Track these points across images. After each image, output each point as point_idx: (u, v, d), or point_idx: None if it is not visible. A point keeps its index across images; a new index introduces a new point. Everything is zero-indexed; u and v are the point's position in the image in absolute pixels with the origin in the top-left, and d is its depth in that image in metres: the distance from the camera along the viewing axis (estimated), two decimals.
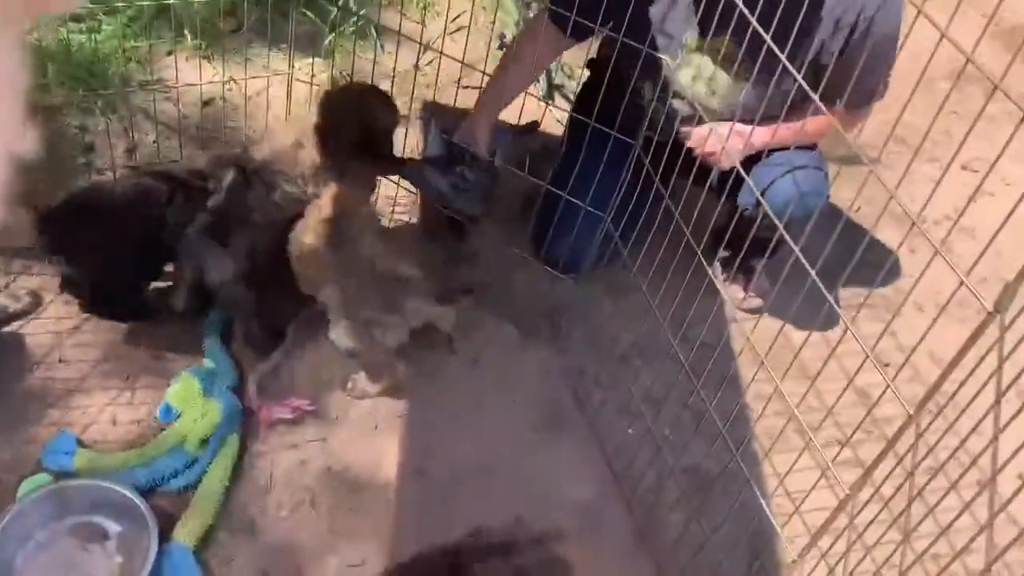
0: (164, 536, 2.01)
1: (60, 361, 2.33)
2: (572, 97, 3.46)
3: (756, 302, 2.88)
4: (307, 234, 2.23)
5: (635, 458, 2.34)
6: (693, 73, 2.40)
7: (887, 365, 2.73)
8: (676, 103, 2.43)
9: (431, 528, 2.18)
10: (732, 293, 2.82)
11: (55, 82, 2.76)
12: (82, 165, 2.70)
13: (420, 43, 2.82)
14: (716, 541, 2.07)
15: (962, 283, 1.32)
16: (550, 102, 3.36)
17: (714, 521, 2.17)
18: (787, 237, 1.77)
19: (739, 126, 2.20)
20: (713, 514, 2.24)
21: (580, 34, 2.45)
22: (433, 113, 2.87)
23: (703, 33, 2.32)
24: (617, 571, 2.20)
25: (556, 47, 2.59)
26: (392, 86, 3.08)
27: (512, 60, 2.62)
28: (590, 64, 2.78)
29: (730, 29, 2.08)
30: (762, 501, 1.87)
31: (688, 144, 2.40)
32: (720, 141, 2.25)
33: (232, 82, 2.94)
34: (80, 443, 2.17)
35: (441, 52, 2.65)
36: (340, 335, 2.29)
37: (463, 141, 2.53)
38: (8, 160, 0.70)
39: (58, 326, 2.40)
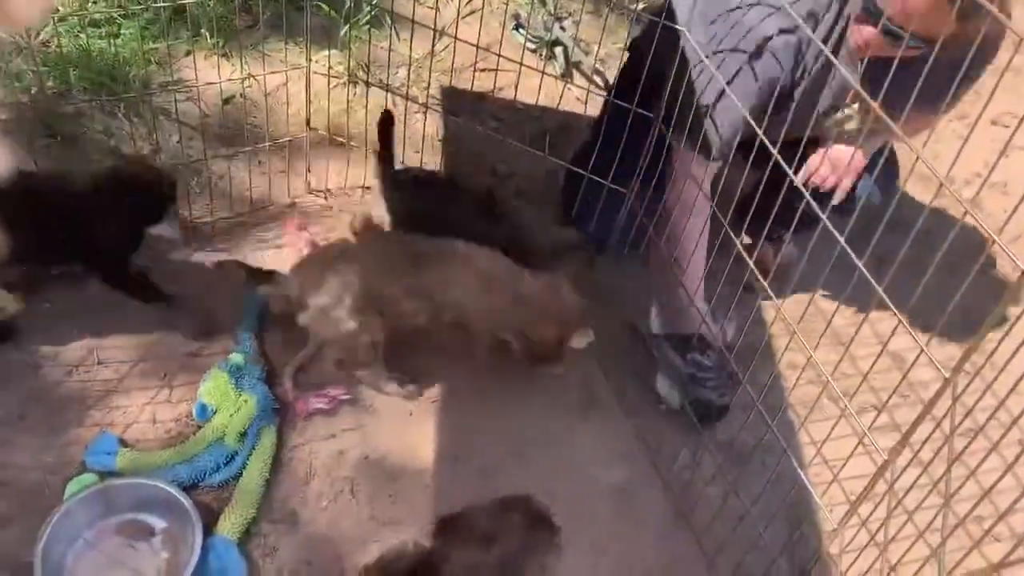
0: (208, 530, 2.04)
1: (98, 363, 2.37)
2: (590, 73, 3.44)
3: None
4: None
5: (668, 436, 2.34)
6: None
7: (921, 329, 2.71)
8: None
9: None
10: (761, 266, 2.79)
11: (77, 87, 2.79)
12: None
13: (435, 29, 2.82)
14: (755, 513, 2.07)
15: (994, 241, 1.30)
16: (568, 80, 3.35)
17: (752, 494, 2.16)
18: (815, 207, 1.74)
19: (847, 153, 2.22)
20: (751, 487, 2.23)
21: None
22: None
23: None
24: (656, 550, 2.20)
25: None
26: (409, 73, 3.09)
27: (681, 214, 2.37)
28: (630, 47, 2.73)
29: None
30: (799, 471, 1.86)
31: (807, 178, 2.36)
32: (835, 170, 2.29)
33: (251, 79, 2.96)
34: (122, 443, 2.20)
35: (456, 37, 2.64)
36: None
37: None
38: None
39: (95, 329, 2.43)
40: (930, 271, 1.52)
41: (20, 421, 2.23)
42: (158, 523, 2.11)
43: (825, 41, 2.18)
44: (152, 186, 2.38)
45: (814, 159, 2.36)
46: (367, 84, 3.03)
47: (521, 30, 3.46)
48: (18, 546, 1.99)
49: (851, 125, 2.34)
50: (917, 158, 1.47)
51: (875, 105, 1.51)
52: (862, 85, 2.05)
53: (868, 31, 2.08)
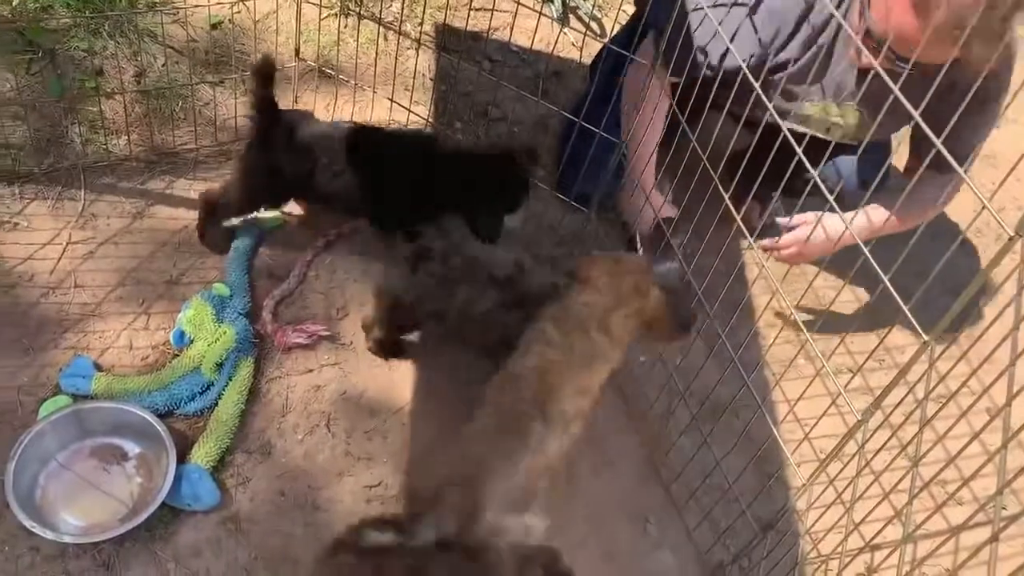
0: (182, 458, 2.05)
1: (76, 286, 2.34)
2: (587, 19, 3.39)
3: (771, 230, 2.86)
4: None
5: (646, 385, 2.36)
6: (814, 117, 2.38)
7: (902, 295, 2.73)
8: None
9: (445, 451, 2.22)
10: (749, 221, 2.80)
11: (60, 3, 2.71)
12: (91, 89, 2.66)
13: None
14: (726, 466, 2.10)
15: (984, 207, 1.30)
16: (565, 24, 3.30)
17: (725, 447, 2.19)
18: (806, 162, 1.73)
19: (832, 226, 2.22)
20: (724, 440, 2.26)
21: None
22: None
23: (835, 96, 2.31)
24: (626, 496, 2.23)
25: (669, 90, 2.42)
26: (403, 7, 3.03)
27: (639, 126, 2.44)
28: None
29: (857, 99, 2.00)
30: (772, 427, 1.89)
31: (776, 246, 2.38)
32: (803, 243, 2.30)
33: (241, 4, 2.89)
34: (97, 367, 2.19)
35: None
36: None
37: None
38: None
39: (73, 252, 2.40)
40: (914, 238, 1.52)
41: None
42: (132, 448, 2.11)
43: (821, 30, 2.17)
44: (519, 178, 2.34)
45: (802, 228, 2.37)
46: (359, 16, 2.97)
47: (550, 2, 3.39)
48: None
49: (839, 120, 2.33)
50: (912, 121, 1.46)
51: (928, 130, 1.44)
52: (864, 98, 2.05)
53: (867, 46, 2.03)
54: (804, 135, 1.83)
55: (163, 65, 2.79)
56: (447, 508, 1.62)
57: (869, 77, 2.12)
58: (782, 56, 2.21)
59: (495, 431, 1.76)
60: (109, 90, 2.69)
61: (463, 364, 2.38)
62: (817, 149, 2.06)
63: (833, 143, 2.27)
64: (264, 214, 2.52)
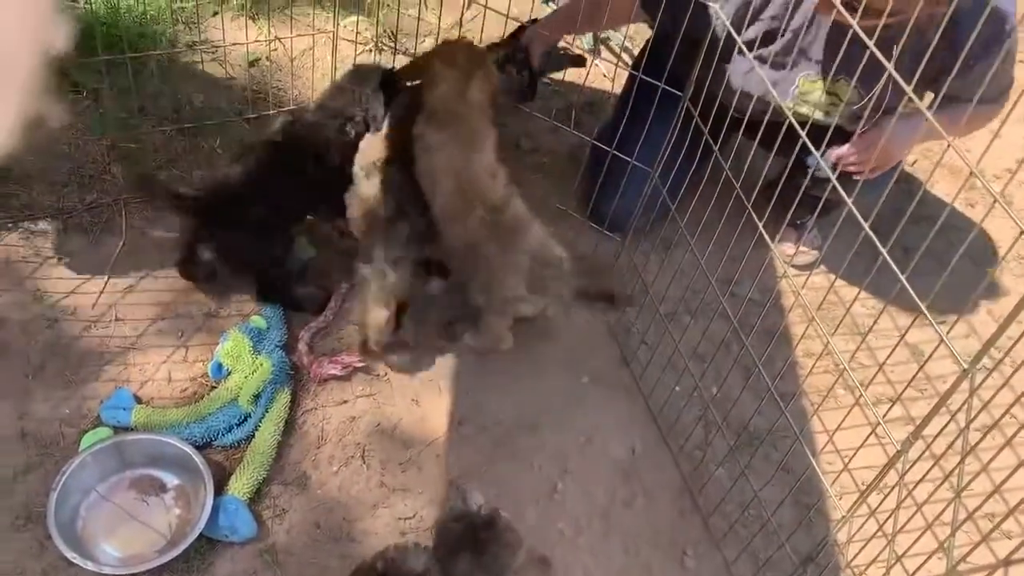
0: (219, 489, 2.07)
1: (117, 320, 2.39)
2: (618, 50, 3.41)
3: (807, 258, 2.84)
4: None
5: (681, 415, 2.34)
6: (804, 96, 2.39)
7: (942, 323, 2.69)
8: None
9: (481, 482, 2.21)
10: (783, 249, 2.78)
11: (103, 45, 2.79)
12: (132, 127, 2.73)
13: None
14: (764, 498, 2.07)
15: (1021, 233, 1.28)
16: (596, 55, 3.32)
17: (763, 478, 2.16)
18: (841, 191, 1.73)
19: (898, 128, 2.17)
20: (762, 471, 2.23)
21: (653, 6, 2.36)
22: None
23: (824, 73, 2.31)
24: (664, 527, 2.21)
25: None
26: (437, 41, 3.07)
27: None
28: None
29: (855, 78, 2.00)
30: (811, 458, 1.86)
31: (834, 161, 2.37)
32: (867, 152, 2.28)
33: (277, 41, 2.95)
34: (137, 399, 2.23)
35: (486, 6, 2.62)
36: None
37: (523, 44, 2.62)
38: (36, 48, 0.67)
39: (114, 286, 2.45)
40: (953, 262, 1.50)
41: (39, 373, 2.26)
42: (171, 479, 2.13)
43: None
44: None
45: (846, 147, 2.34)
46: (393, 52, 3.02)
47: (552, 3, 3.43)
48: (37, 493, 2.02)
49: (835, 98, 2.32)
50: (948, 147, 1.45)
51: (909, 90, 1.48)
52: (841, 63, 2.05)
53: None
54: (806, 122, 1.85)
55: (202, 102, 2.86)
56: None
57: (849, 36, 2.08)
58: (767, 12, 2.23)
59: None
60: (149, 127, 2.75)
61: (494, 396, 2.39)
62: (822, 138, 2.06)
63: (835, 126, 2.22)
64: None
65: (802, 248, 2.81)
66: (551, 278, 2.24)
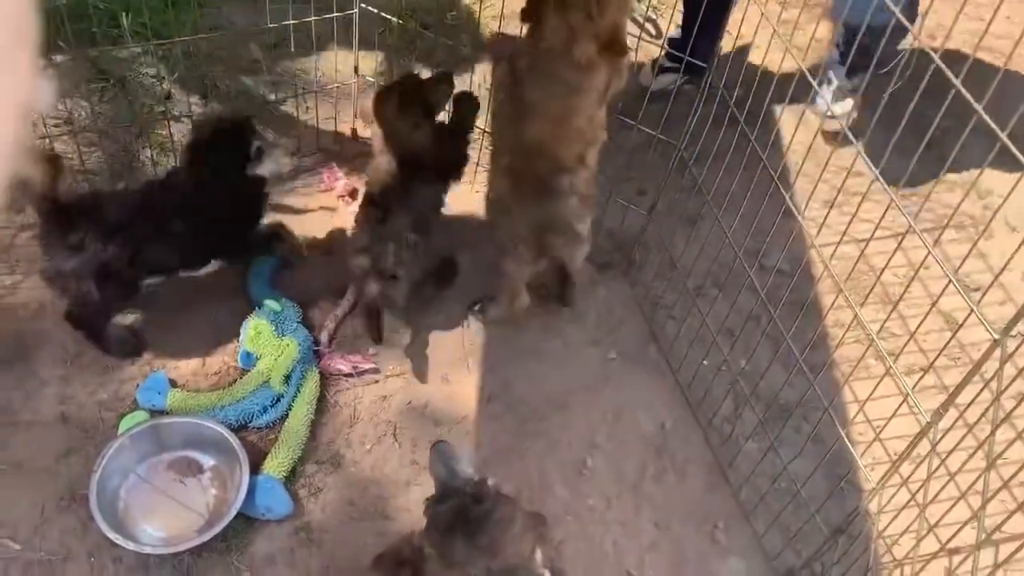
0: (255, 469, 2.11)
1: (151, 305, 2.42)
2: (642, 20, 3.37)
3: (843, 107, 2.90)
4: None
5: (711, 389, 2.33)
6: None
7: (976, 290, 2.65)
8: None
9: (510, 459, 2.23)
10: (816, 109, 2.83)
11: (131, 32, 2.82)
12: (160, 113, 2.76)
13: None
14: (795, 469, 2.06)
15: None
16: None
17: (793, 450, 2.16)
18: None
19: None
20: (792, 443, 2.23)
21: None
22: None
23: None
24: (694, 500, 2.21)
25: None
26: (459, 15, 3.06)
27: None
28: None
29: None
30: (840, 429, 1.85)
31: None
32: None
33: (299, 22, 2.94)
34: (172, 383, 2.27)
35: None
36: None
37: None
38: (18, 113, 0.65)
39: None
40: (985, 227, 1.48)
41: (77, 359, 2.31)
42: (207, 461, 2.18)
43: None
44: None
45: None
46: (418, 29, 3.01)
47: None
48: (79, 476, 2.08)
49: None
50: (977, 113, 1.42)
51: None
52: None
53: None
54: None
55: (228, 83, 2.87)
56: None
57: None
58: None
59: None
60: (177, 113, 2.78)
61: (522, 374, 2.40)
62: None
63: None
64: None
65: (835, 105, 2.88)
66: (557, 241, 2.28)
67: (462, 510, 1.54)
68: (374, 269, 2.30)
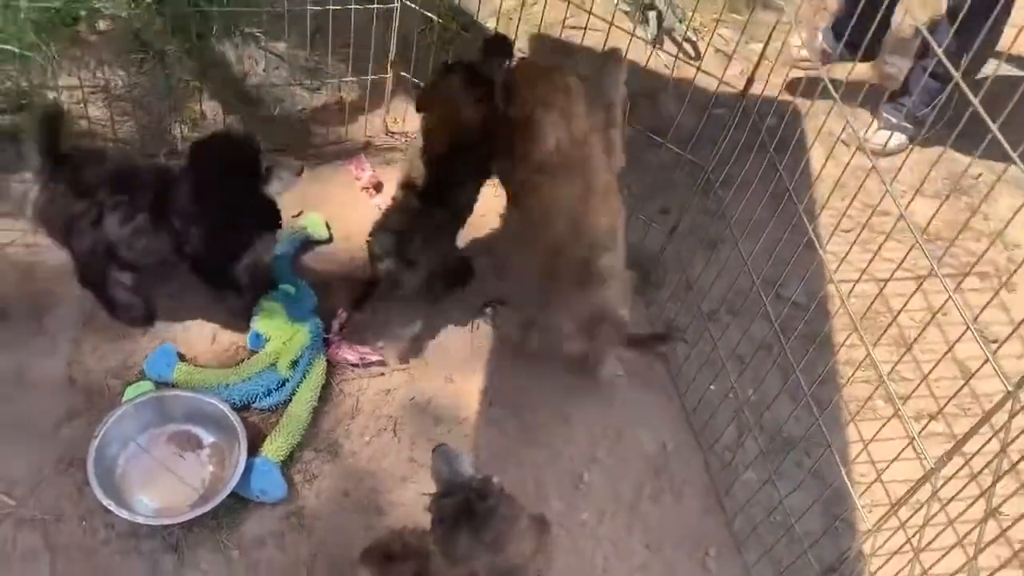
0: (253, 450, 2.11)
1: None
2: (681, 41, 3.36)
3: (894, 139, 3.00)
4: None
5: (716, 414, 2.32)
6: None
7: (994, 341, 2.62)
8: None
9: (507, 465, 2.23)
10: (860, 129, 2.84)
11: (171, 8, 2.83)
12: (195, 89, 2.77)
13: None
14: (791, 503, 2.05)
15: None
16: (659, 45, 3.29)
17: (793, 483, 2.14)
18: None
19: None
20: (792, 476, 2.21)
21: None
22: None
23: None
24: (688, 524, 2.20)
25: None
26: (497, 24, 3.07)
27: None
28: None
29: None
30: (840, 468, 1.83)
31: None
32: None
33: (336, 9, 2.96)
34: (180, 356, 2.28)
35: None
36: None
37: None
38: None
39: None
40: (1008, 278, 1.46)
41: (89, 323, 2.32)
42: (207, 437, 2.19)
43: None
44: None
45: None
46: (457, 30, 3.02)
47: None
48: (80, 440, 2.09)
49: None
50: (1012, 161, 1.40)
51: None
52: None
53: None
54: None
55: (263, 69, 2.89)
56: None
57: None
58: None
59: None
60: (212, 90, 2.80)
61: (528, 381, 2.39)
62: None
63: None
64: (314, 224, 2.59)
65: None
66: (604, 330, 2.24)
67: (467, 505, 1.55)
68: (398, 252, 2.29)
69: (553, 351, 2.29)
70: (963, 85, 1.49)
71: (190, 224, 2.16)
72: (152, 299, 2.36)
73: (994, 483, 1.41)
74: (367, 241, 2.37)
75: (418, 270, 2.32)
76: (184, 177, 2.16)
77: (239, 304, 2.36)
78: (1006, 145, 1.42)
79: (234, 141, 2.23)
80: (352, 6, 2.68)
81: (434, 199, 2.31)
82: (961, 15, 1.78)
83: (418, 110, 2.37)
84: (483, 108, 2.30)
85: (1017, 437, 1.41)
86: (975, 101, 1.45)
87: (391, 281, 2.33)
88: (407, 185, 2.36)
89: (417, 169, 2.35)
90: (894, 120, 3.11)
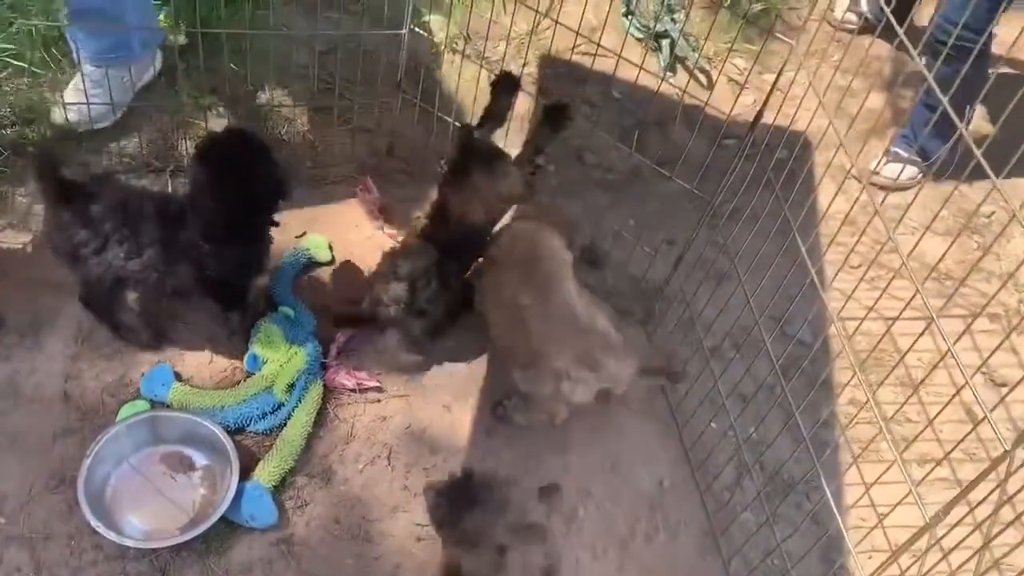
0: (245, 474, 2.09)
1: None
2: (693, 69, 3.34)
3: (906, 172, 3.02)
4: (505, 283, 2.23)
5: (714, 453, 2.28)
6: None
7: (1003, 385, 2.57)
8: None
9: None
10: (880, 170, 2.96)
11: (184, 23, 2.84)
12: (204, 106, 2.78)
13: (536, 11, 2.76)
14: (789, 548, 2.01)
15: None
16: (672, 74, 3.27)
17: (792, 525, 2.10)
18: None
19: None
20: (791, 518, 2.17)
21: None
22: None
23: None
24: (682, 564, 2.16)
25: None
26: (507, 47, 3.06)
27: None
28: None
29: None
30: (837, 516, 1.79)
31: None
32: None
33: (349, 35, 2.96)
34: (177, 376, 2.27)
35: (556, 21, 2.59)
36: (524, 379, 2.21)
37: None
38: None
39: None
40: (1018, 323, 1.43)
41: (88, 339, 2.31)
42: (200, 459, 2.17)
43: None
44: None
45: None
46: (463, 55, 3.01)
47: (631, 17, 3.38)
48: (72, 458, 2.08)
49: None
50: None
51: None
52: None
53: None
54: None
55: (277, 83, 2.89)
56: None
57: None
58: None
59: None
60: (220, 109, 2.80)
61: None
62: None
63: None
64: (317, 246, 2.57)
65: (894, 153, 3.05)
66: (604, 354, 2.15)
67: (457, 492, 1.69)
68: (408, 302, 2.27)
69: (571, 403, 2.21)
70: (966, 134, 1.46)
71: (213, 247, 2.11)
72: (159, 322, 2.35)
73: (988, 541, 1.37)
74: (374, 284, 2.34)
75: (426, 319, 2.31)
76: (196, 185, 2.10)
77: (240, 324, 2.35)
78: (1005, 198, 1.38)
79: (239, 133, 2.16)
80: (362, 31, 2.68)
81: (452, 252, 2.30)
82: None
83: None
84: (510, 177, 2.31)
85: (1013, 497, 1.37)
86: (978, 153, 1.43)
87: (395, 324, 2.32)
88: (424, 234, 2.34)
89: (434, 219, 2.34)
90: (904, 154, 3.08)
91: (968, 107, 2.48)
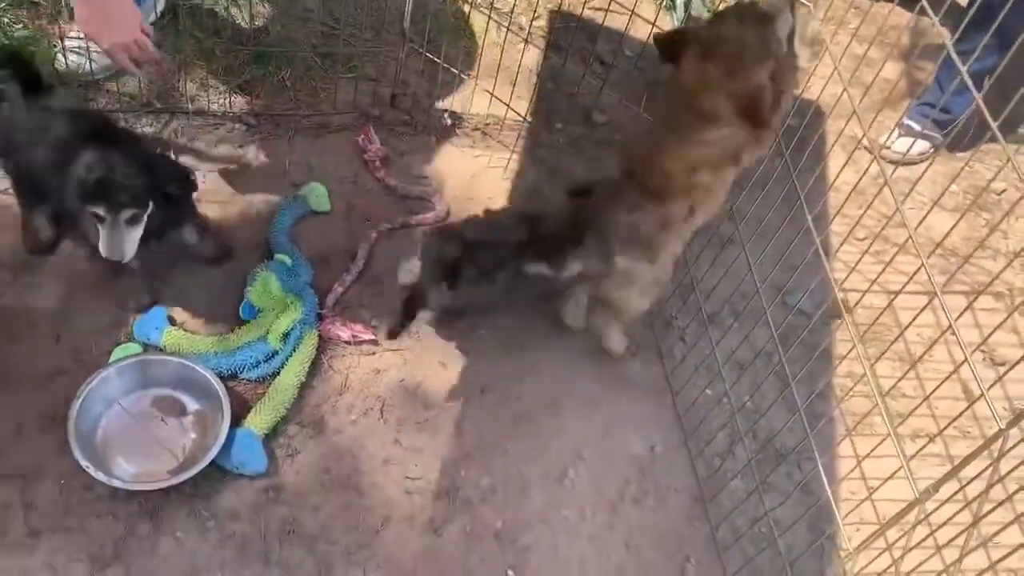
0: (237, 421, 2.09)
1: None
2: None
3: (916, 146, 2.97)
4: None
5: (708, 419, 2.27)
6: None
7: (1002, 364, 2.55)
8: None
9: (493, 455, 2.19)
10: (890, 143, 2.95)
11: None
12: (207, 47, 2.73)
13: None
14: (777, 516, 2.00)
15: None
16: None
17: (782, 494, 2.10)
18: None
19: None
20: (782, 487, 2.17)
21: None
22: None
23: None
24: (670, 529, 2.16)
25: None
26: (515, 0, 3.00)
27: None
28: None
29: None
30: (827, 487, 1.79)
31: None
32: None
33: None
34: (171, 320, 2.25)
35: None
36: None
37: None
38: None
39: None
40: (1020, 303, 1.40)
41: (83, 279, 2.29)
42: (191, 404, 2.16)
43: None
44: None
45: None
46: (471, 5, 2.95)
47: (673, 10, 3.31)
48: (64, 399, 2.06)
49: None
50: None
51: None
52: None
53: None
54: None
55: (278, 32, 2.84)
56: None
57: None
58: None
59: None
60: (223, 50, 2.75)
61: (521, 372, 2.35)
62: None
63: None
64: (317, 195, 2.54)
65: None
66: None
67: None
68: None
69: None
70: (982, 105, 1.42)
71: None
72: (155, 285, 2.32)
73: (978, 520, 1.36)
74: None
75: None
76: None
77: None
78: (1018, 173, 1.35)
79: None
80: None
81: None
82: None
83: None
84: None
85: (1001, 479, 1.36)
86: (994, 125, 1.39)
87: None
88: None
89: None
90: (916, 127, 3.02)
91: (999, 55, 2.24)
